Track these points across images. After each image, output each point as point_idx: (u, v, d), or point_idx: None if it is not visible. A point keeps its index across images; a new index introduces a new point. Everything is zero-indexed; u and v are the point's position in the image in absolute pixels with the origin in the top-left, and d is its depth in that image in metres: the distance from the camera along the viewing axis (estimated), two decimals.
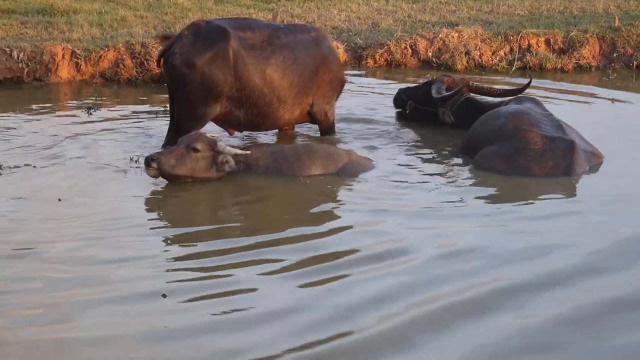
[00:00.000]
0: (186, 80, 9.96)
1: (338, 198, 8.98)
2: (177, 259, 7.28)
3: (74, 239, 7.60)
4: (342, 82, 11.23)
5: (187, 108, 10.10)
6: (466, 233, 7.80)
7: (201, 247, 7.54)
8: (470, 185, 9.39)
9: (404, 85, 12.85)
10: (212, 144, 9.26)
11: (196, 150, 9.17)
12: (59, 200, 8.64)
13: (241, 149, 9.68)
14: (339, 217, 8.35)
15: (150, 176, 9.09)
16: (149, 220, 8.32)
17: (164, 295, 6.48)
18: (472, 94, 11.60)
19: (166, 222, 8.34)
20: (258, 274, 6.88)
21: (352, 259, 7.21)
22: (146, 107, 12.64)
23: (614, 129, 11.47)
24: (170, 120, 10.43)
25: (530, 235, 7.75)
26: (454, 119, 11.43)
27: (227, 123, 10.57)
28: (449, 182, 9.42)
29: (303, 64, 10.56)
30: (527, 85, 11.59)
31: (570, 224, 8.08)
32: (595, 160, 9.84)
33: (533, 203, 8.78)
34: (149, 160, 9.01)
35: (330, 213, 8.48)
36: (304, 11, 17.83)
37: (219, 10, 17.58)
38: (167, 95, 10.68)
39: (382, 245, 7.51)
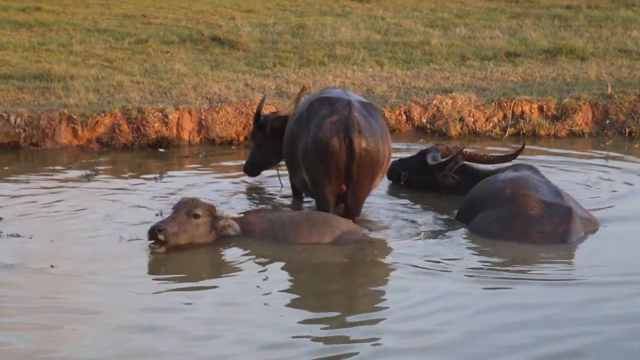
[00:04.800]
0: (376, 161, 9.76)
1: (334, 266, 9.02)
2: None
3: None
4: None
5: (368, 187, 9.95)
6: (457, 297, 7.98)
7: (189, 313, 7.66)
8: (465, 249, 9.44)
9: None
10: (211, 209, 9.27)
11: (197, 216, 9.17)
12: (52, 267, 8.62)
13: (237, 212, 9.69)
14: (335, 285, 8.43)
15: (156, 246, 9.04)
16: (147, 287, 8.34)
17: None
18: (467, 162, 11.66)
19: (162, 289, 8.34)
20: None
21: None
22: (144, 173, 12.66)
23: (609, 196, 11.52)
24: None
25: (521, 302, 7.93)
26: (450, 184, 11.47)
27: None
28: (444, 247, 9.45)
29: None
30: (520, 150, 11.53)
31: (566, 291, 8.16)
32: (591, 227, 9.89)
33: (527, 270, 8.82)
34: (155, 231, 8.98)
35: (324, 282, 8.54)
36: (300, 77, 17.94)
37: (214, 75, 17.66)
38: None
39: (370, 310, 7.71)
